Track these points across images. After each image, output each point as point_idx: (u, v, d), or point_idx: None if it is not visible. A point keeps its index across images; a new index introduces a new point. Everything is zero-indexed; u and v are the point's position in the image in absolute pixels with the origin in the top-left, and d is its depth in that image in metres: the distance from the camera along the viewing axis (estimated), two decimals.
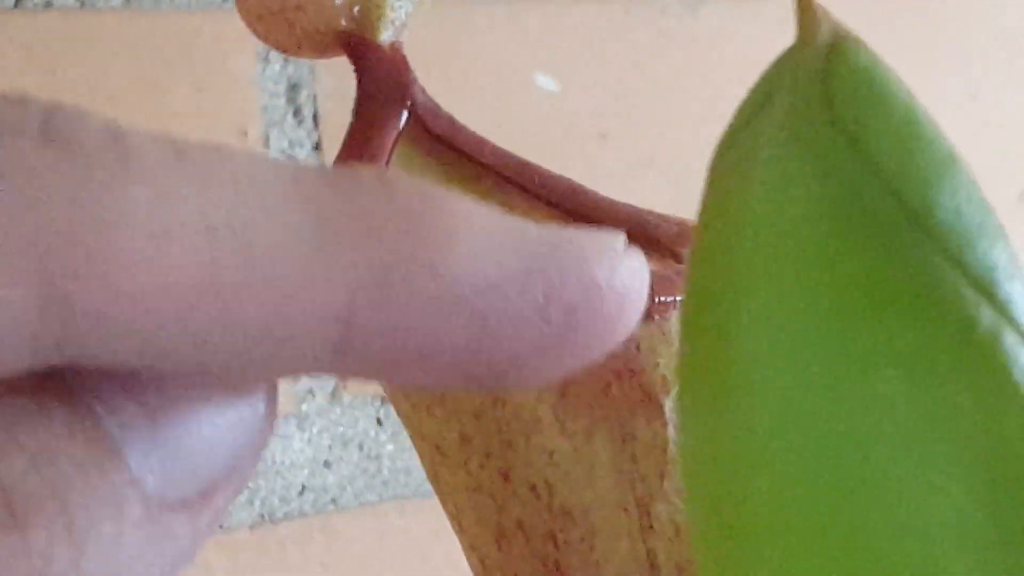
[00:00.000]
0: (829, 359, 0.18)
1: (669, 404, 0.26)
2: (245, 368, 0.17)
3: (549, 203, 0.30)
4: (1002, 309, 0.17)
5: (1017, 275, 0.18)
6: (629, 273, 0.19)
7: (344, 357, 0.18)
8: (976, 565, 0.17)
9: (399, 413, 0.28)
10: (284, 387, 0.52)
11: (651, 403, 0.26)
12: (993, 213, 0.18)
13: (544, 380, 0.19)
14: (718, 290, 0.19)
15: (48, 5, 0.49)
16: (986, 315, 0.17)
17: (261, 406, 0.19)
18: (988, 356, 0.17)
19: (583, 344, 0.19)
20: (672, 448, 0.26)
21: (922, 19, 0.65)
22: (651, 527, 0.26)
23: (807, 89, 0.18)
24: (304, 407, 0.53)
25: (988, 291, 0.17)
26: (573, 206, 0.30)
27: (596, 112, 0.58)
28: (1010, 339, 0.17)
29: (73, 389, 0.17)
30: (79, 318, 0.16)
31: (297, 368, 0.18)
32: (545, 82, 0.56)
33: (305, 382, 0.52)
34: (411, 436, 0.28)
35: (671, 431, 0.26)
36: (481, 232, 0.18)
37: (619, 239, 0.19)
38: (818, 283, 0.18)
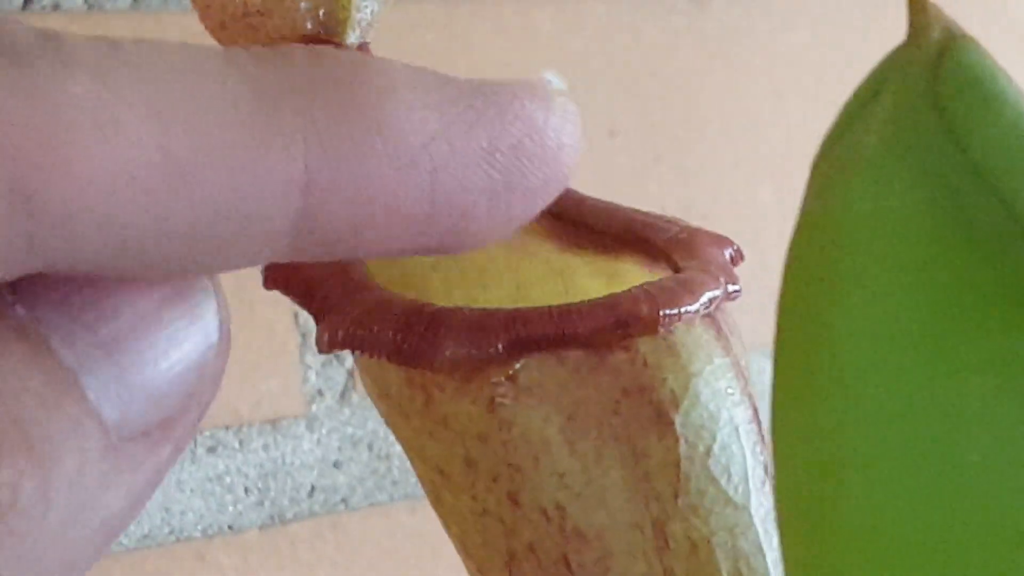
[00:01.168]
0: (926, 362, 0.18)
1: (679, 420, 0.26)
2: (214, 252, 0.18)
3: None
4: None
5: None
6: (561, 109, 0.20)
7: (308, 227, 0.18)
8: None
9: (398, 437, 0.28)
10: (293, 388, 0.52)
11: (661, 420, 0.26)
12: None
13: (500, 231, 0.20)
14: (816, 288, 0.19)
15: (56, 7, 0.49)
16: None
17: (213, 334, 0.19)
18: None
19: (532, 186, 0.19)
20: (685, 465, 0.26)
21: None
22: (667, 546, 0.26)
23: (915, 88, 0.18)
24: (313, 408, 0.53)
25: None
26: (564, 209, 0.30)
27: (605, 110, 0.57)
28: None
29: (28, 325, 0.17)
30: (46, 210, 0.16)
31: (267, 246, 0.18)
32: (554, 80, 0.56)
33: (314, 382, 0.52)
34: (411, 459, 0.28)
35: (683, 447, 0.26)
36: (416, 86, 0.19)
37: (544, 82, 0.20)
38: (918, 285, 0.18)
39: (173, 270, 0.18)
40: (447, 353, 0.25)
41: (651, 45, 0.58)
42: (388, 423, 0.28)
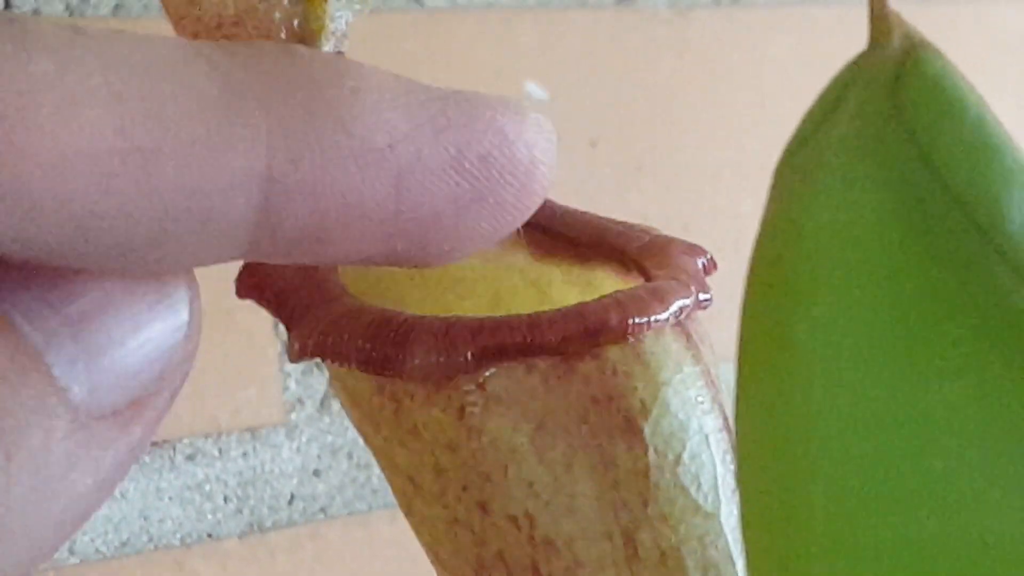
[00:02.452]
0: (891, 369, 0.18)
1: (648, 428, 0.26)
2: (175, 245, 0.17)
3: None
4: None
5: None
6: (535, 126, 0.20)
7: (270, 224, 0.18)
8: None
9: (370, 447, 0.28)
10: (273, 396, 0.52)
11: (631, 428, 0.26)
12: None
13: (469, 244, 0.20)
14: (779, 295, 0.19)
15: (36, 12, 0.49)
16: None
17: (183, 314, 0.19)
18: None
19: (503, 200, 0.19)
20: (655, 474, 0.26)
21: None
22: (636, 554, 0.26)
23: (878, 96, 0.18)
24: (293, 416, 0.53)
25: None
26: (539, 218, 0.30)
27: (586, 119, 0.57)
28: None
29: None
30: (1, 190, 0.16)
31: (229, 241, 0.18)
32: (535, 90, 0.56)
33: (294, 391, 0.52)
34: (382, 468, 0.28)
35: (652, 456, 0.26)
36: (386, 88, 0.19)
37: (519, 98, 0.20)
38: (882, 292, 0.18)
39: (133, 263, 0.18)
40: (416, 361, 0.25)
41: (633, 54, 0.58)
42: (359, 431, 0.28)
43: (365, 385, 0.27)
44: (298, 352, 0.26)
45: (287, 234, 0.18)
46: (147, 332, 0.18)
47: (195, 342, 0.19)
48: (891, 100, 0.18)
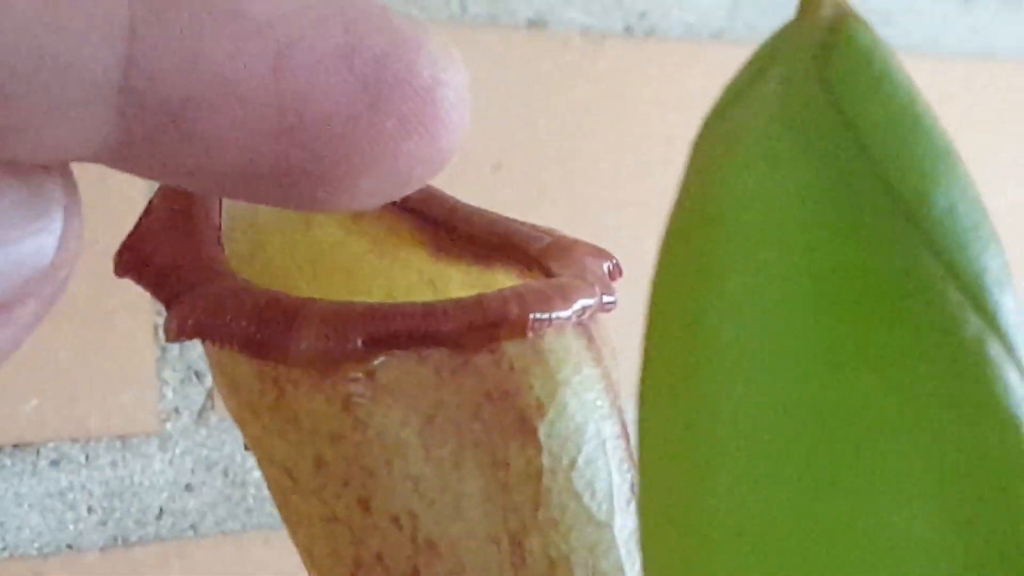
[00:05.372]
0: (804, 352, 0.17)
1: (544, 429, 0.25)
2: (33, 108, 0.16)
3: (411, 210, 0.29)
4: (989, 317, 0.17)
5: (1007, 283, 0.17)
6: (441, 45, 0.18)
7: (136, 90, 0.16)
8: None
9: (247, 437, 0.26)
10: (148, 404, 0.50)
11: (525, 428, 0.24)
12: (987, 215, 0.17)
13: (372, 177, 0.18)
14: (692, 270, 0.18)
15: None
16: (972, 321, 0.16)
17: (56, 218, 0.17)
18: (971, 365, 0.16)
19: (404, 114, 0.17)
20: (547, 477, 0.25)
21: None
22: (523, 562, 0.25)
23: (803, 65, 0.17)
24: (168, 426, 0.51)
25: (976, 296, 0.17)
26: (437, 214, 0.29)
27: (490, 141, 0.57)
28: (994, 349, 0.16)
29: None
30: None
31: (93, 111, 0.16)
32: None
33: (171, 399, 0.51)
34: (259, 461, 0.26)
35: (546, 459, 0.25)
36: None
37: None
38: (799, 270, 0.17)
39: None
40: (302, 346, 0.24)
41: (543, 80, 0.58)
42: (237, 421, 0.27)
43: (246, 370, 0.25)
44: (176, 331, 0.25)
45: (156, 106, 0.17)
46: (10, 231, 0.17)
47: (71, 252, 0.18)
48: (818, 71, 0.17)
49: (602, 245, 0.60)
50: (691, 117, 0.65)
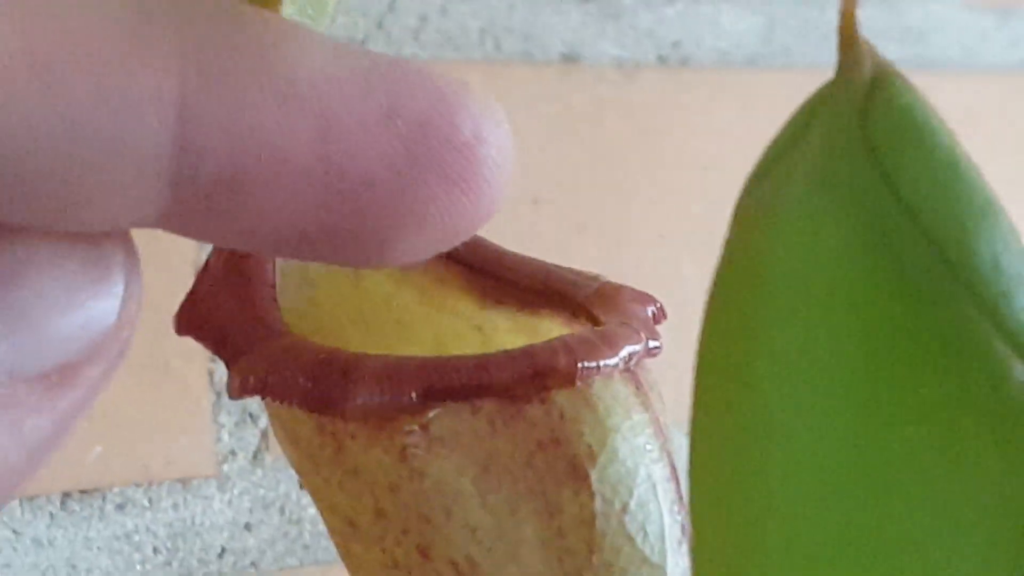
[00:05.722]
0: (852, 409, 0.17)
1: (595, 475, 0.25)
2: (86, 182, 0.16)
3: (457, 260, 0.30)
4: None
5: None
6: (482, 101, 0.18)
7: (189, 161, 0.17)
8: None
9: (308, 487, 0.27)
10: (205, 447, 0.51)
11: (577, 474, 0.25)
12: None
13: (415, 234, 0.18)
14: (738, 330, 0.18)
15: None
16: (1019, 371, 0.17)
17: (118, 281, 0.18)
18: (1019, 416, 0.17)
19: (447, 173, 0.18)
20: (601, 522, 0.25)
21: None
22: None
23: (845, 125, 0.18)
24: (225, 468, 0.52)
25: (1022, 347, 0.17)
26: (484, 262, 0.30)
27: (529, 176, 0.57)
28: None
29: None
30: None
31: (145, 183, 0.17)
32: None
33: (227, 442, 0.51)
34: (320, 510, 0.27)
35: (598, 503, 0.25)
36: (314, 38, 0.18)
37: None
38: (845, 328, 0.17)
39: (47, 206, 0.17)
40: (359, 401, 0.25)
41: (578, 114, 0.59)
42: (298, 472, 0.27)
43: (305, 424, 0.26)
44: (239, 389, 0.26)
45: (208, 178, 0.17)
46: (76, 295, 0.18)
47: (133, 312, 0.18)
48: (859, 130, 0.18)
49: (640, 274, 0.61)
50: (727, 144, 0.65)
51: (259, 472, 0.52)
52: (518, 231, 0.56)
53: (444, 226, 0.18)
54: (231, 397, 0.26)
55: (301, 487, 0.53)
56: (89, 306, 0.18)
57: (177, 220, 0.18)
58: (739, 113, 0.60)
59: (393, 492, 0.25)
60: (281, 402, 0.25)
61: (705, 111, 0.60)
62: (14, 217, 0.17)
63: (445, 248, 0.19)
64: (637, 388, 0.26)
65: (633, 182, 0.59)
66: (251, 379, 0.25)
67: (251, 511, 0.52)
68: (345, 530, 0.26)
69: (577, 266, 0.31)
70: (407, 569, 0.26)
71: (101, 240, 0.18)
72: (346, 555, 0.27)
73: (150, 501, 0.50)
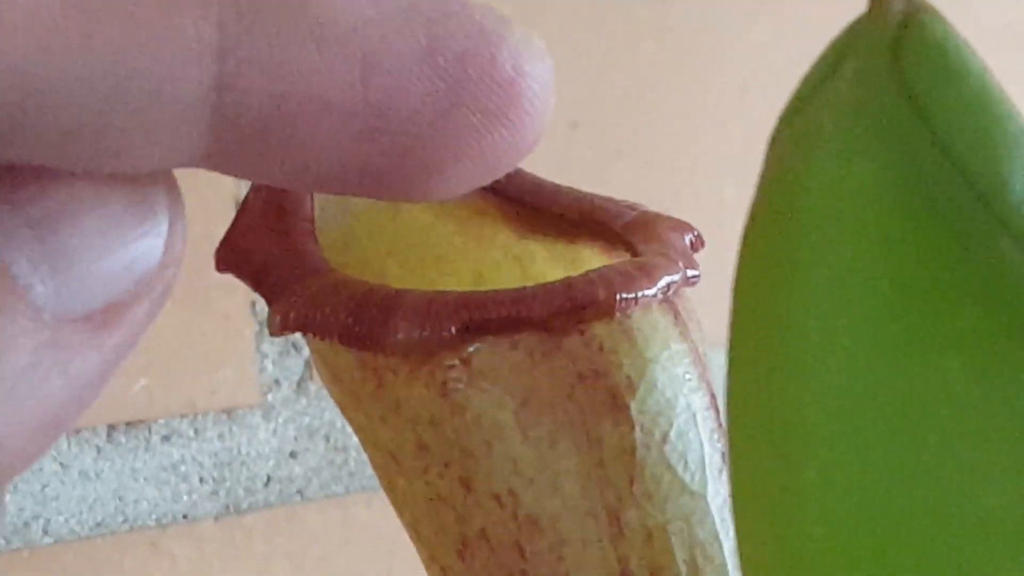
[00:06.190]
0: (888, 342, 0.17)
1: (635, 406, 0.25)
2: (127, 125, 0.17)
3: (496, 191, 0.30)
4: None
5: None
6: (523, 36, 0.18)
7: (227, 105, 0.17)
8: None
9: (351, 423, 0.27)
10: (249, 377, 0.51)
11: (617, 405, 0.25)
12: None
13: (457, 168, 0.18)
14: (774, 265, 0.18)
15: None
16: None
17: (161, 220, 0.18)
18: None
19: (487, 108, 0.18)
20: (641, 452, 0.25)
21: None
22: (622, 534, 0.25)
23: (877, 60, 0.18)
24: (269, 397, 0.52)
25: None
26: (522, 193, 0.30)
27: (567, 101, 0.57)
28: None
29: None
30: None
31: (186, 124, 0.17)
32: None
33: (271, 372, 0.52)
34: (363, 445, 0.27)
35: (638, 434, 0.25)
36: None
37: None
38: (880, 261, 0.17)
39: (91, 149, 0.17)
40: (399, 336, 0.25)
41: (614, 37, 0.58)
42: (340, 408, 0.28)
43: (347, 360, 0.26)
44: (279, 326, 0.26)
45: (248, 120, 0.17)
46: (120, 235, 0.18)
47: (177, 252, 0.19)
48: (891, 65, 0.18)
49: (678, 198, 0.60)
50: (762, 67, 0.65)
51: (303, 401, 0.53)
52: (557, 154, 0.56)
53: (485, 160, 0.18)
54: (272, 334, 0.26)
55: None
56: (133, 246, 0.18)
57: (219, 160, 0.18)
58: (776, 33, 0.59)
59: (434, 426, 0.25)
60: (322, 338, 0.25)
61: (742, 33, 0.59)
62: (56, 161, 0.17)
63: (486, 182, 0.19)
64: (676, 318, 0.26)
65: (670, 105, 0.59)
66: (291, 316, 0.26)
67: (296, 440, 0.53)
68: (388, 464, 0.27)
69: (614, 191, 0.30)
70: (450, 502, 0.26)
71: (144, 181, 0.18)
72: (389, 488, 0.27)
73: (195, 432, 0.51)
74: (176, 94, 0.17)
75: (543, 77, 0.18)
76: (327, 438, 0.54)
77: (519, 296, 0.25)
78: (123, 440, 0.49)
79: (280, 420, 0.53)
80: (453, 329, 0.25)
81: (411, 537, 0.28)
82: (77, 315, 0.17)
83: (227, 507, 0.52)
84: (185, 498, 0.51)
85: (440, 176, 0.18)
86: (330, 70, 0.17)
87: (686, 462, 0.26)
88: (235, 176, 0.19)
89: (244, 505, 0.52)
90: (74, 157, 0.17)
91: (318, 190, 0.25)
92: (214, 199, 0.49)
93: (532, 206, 0.30)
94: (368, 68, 0.17)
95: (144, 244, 0.18)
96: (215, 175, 0.19)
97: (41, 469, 0.48)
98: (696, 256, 0.28)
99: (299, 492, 0.53)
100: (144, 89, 0.16)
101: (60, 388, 0.17)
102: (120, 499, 0.49)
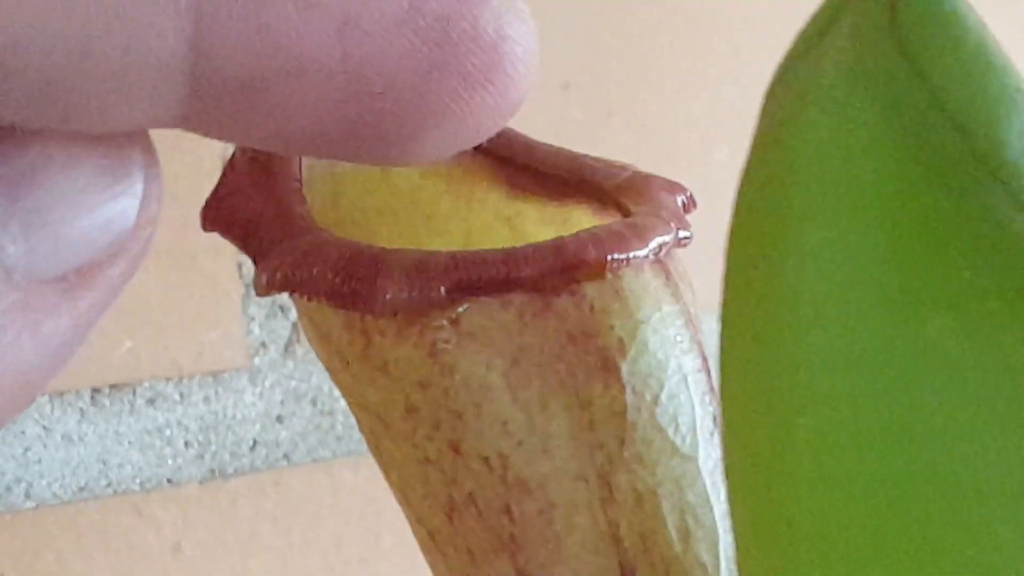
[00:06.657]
0: (882, 299, 0.17)
1: (626, 367, 0.25)
2: (104, 83, 0.16)
3: (486, 151, 0.29)
4: None
5: None
6: (507, 2, 0.18)
7: (207, 65, 0.17)
8: None
9: (338, 384, 0.27)
10: (236, 340, 0.51)
11: (607, 367, 0.25)
12: None
13: (436, 132, 0.18)
14: (768, 224, 0.18)
15: None
16: None
17: (136, 181, 0.18)
18: None
19: (469, 71, 0.18)
20: (631, 414, 0.25)
21: None
22: (612, 497, 0.25)
23: (874, 15, 0.17)
24: (256, 360, 0.52)
25: None
26: (513, 153, 0.29)
27: (558, 62, 0.56)
28: None
29: None
30: None
31: (163, 82, 0.17)
32: None
33: (257, 335, 0.52)
34: (351, 407, 0.27)
35: (629, 396, 0.25)
36: None
37: None
38: (875, 218, 0.17)
39: (63, 108, 0.16)
40: (387, 296, 0.24)
41: None
42: (328, 369, 0.27)
43: (334, 320, 0.26)
44: (265, 286, 0.26)
45: (226, 82, 0.17)
46: (94, 195, 0.17)
47: (153, 212, 0.18)
48: (888, 19, 0.17)
49: (670, 159, 0.60)
50: (757, 28, 0.64)
51: (290, 364, 0.53)
52: (549, 115, 0.55)
53: (467, 124, 0.18)
54: (258, 294, 0.26)
55: None
56: (108, 207, 0.18)
57: (197, 122, 0.17)
58: None
59: (423, 388, 0.25)
60: (309, 298, 0.25)
61: None
62: (30, 121, 0.17)
63: (469, 146, 0.19)
64: (667, 279, 0.26)
65: (664, 67, 0.59)
66: (278, 275, 0.25)
67: (283, 403, 0.53)
68: (376, 427, 0.26)
69: (606, 152, 0.30)
70: (439, 465, 0.25)
71: (120, 142, 0.18)
72: (377, 452, 0.27)
73: (181, 395, 0.51)
74: (151, 52, 0.16)
75: (526, 40, 0.18)
76: (314, 402, 0.53)
77: (509, 256, 0.25)
78: (107, 403, 0.49)
79: (267, 383, 0.52)
80: (442, 289, 0.24)
81: (399, 501, 0.27)
82: (50, 276, 0.17)
83: (212, 471, 0.51)
84: (170, 462, 0.50)
85: (421, 139, 0.18)
86: (308, 30, 0.17)
87: (677, 424, 0.25)
88: (214, 138, 0.18)
89: (230, 469, 0.52)
90: (46, 116, 0.17)
91: (300, 153, 0.24)
92: (201, 159, 0.48)
93: (523, 167, 0.30)
94: (347, 29, 0.17)
95: (119, 204, 0.18)
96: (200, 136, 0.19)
97: (23, 432, 0.48)
98: (688, 217, 0.28)
99: (285, 456, 0.53)
100: (118, 47, 0.16)
101: (31, 351, 0.17)
102: (104, 463, 0.49)
